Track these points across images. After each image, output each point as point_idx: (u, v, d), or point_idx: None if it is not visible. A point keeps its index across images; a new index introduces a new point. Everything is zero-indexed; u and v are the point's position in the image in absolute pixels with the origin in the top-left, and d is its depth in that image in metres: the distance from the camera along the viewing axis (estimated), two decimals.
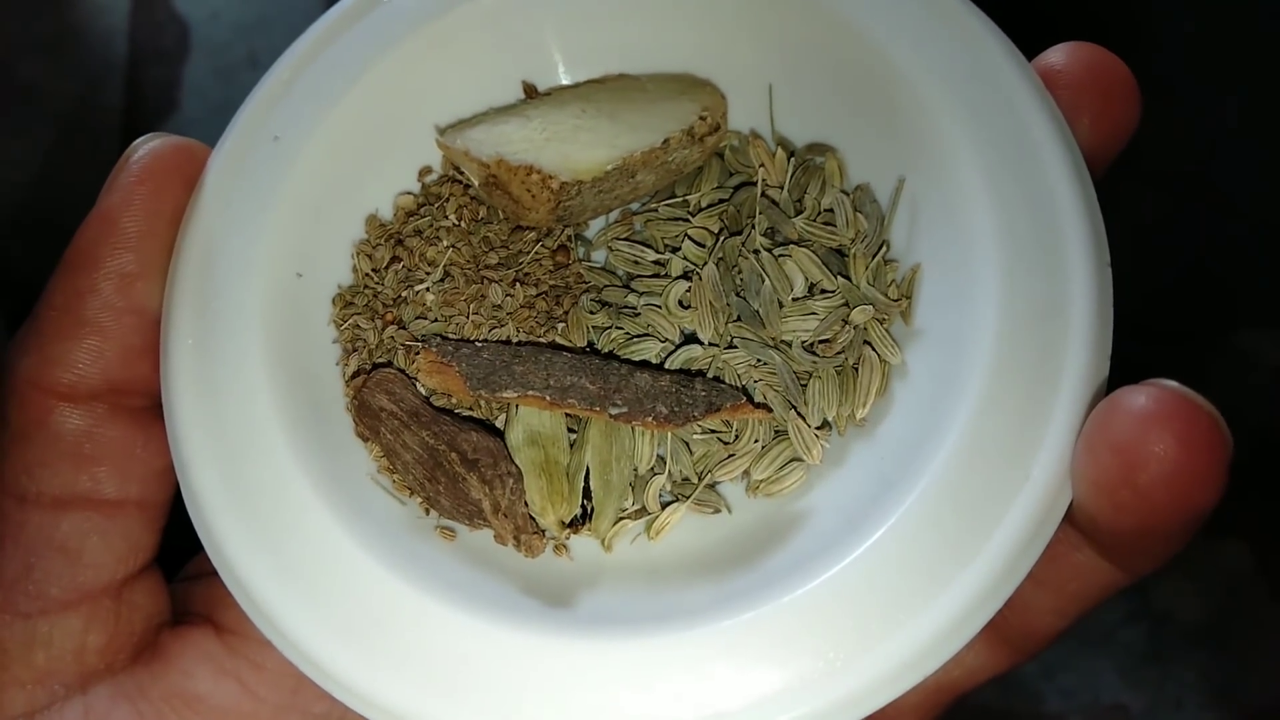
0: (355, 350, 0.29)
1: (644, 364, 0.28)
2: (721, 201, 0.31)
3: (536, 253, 0.31)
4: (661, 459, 0.28)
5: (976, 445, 0.24)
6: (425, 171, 0.31)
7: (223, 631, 0.28)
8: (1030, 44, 0.27)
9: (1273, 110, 0.64)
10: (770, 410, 0.28)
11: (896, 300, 0.28)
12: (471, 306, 0.29)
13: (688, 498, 0.28)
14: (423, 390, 0.28)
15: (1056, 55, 0.27)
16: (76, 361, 0.26)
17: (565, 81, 0.32)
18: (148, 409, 0.28)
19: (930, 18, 0.27)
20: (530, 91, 0.32)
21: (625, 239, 0.31)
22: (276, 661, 0.27)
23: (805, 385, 0.28)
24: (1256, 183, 0.64)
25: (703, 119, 0.29)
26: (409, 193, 0.31)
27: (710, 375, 0.28)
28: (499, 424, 0.28)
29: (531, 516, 0.26)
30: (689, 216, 0.30)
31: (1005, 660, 0.28)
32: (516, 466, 0.26)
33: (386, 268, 0.30)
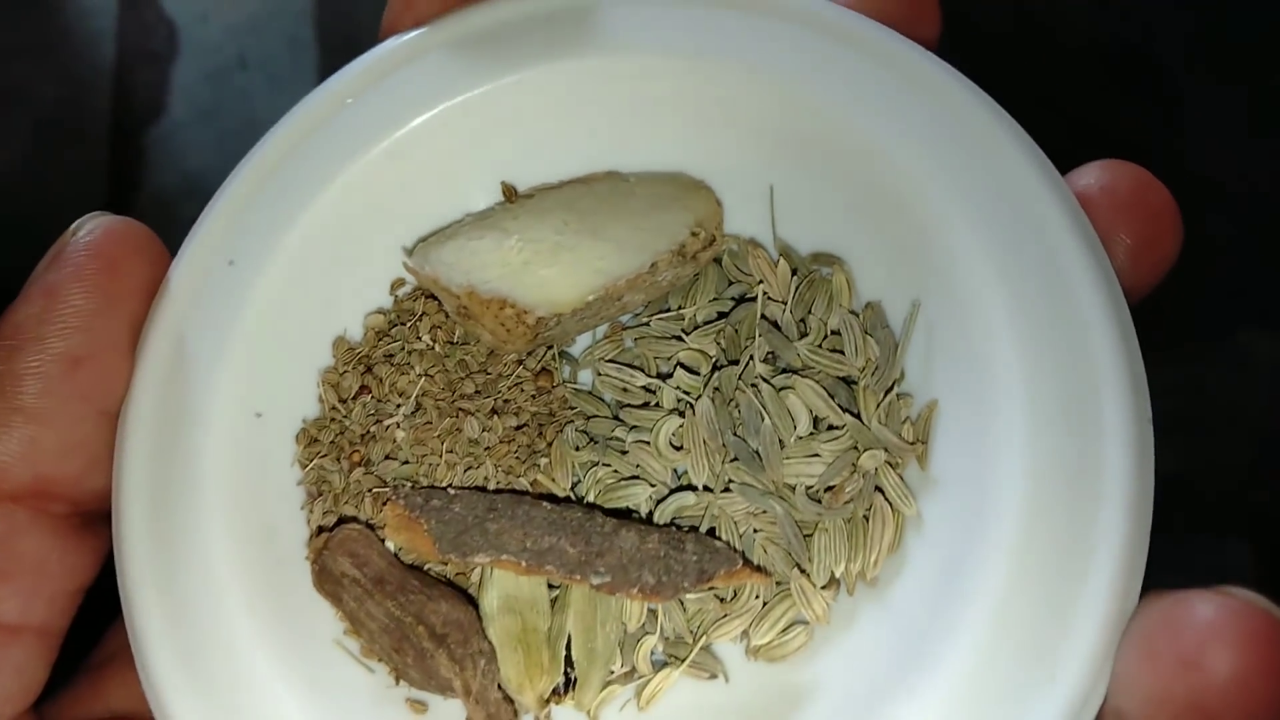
0: (320, 495, 0.27)
1: (631, 517, 0.26)
2: (720, 316, 0.28)
3: (517, 376, 0.28)
4: (653, 614, 0.26)
5: (998, 634, 0.21)
6: (398, 284, 0.29)
7: None
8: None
9: (1275, 109, 0.63)
10: (768, 574, 0.25)
11: (912, 443, 0.25)
12: (445, 444, 0.27)
13: (682, 660, 0.25)
14: (390, 546, 0.26)
15: (1093, 174, 0.24)
16: (3, 453, 0.23)
17: (549, 180, 0.29)
18: (71, 518, 0.25)
19: (950, 121, 0.24)
20: (509, 194, 0.29)
21: (614, 360, 0.28)
22: None
23: (810, 537, 0.25)
24: (1258, 182, 0.62)
25: (695, 234, 0.27)
26: (380, 311, 0.29)
27: (705, 527, 0.26)
28: (474, 578, 0.26)
29: (509, 697, 0.24)
30: (683, 334, 0.28)
31: None
32: (489, 644, 0.24)
33: (354, 398, 0.28)
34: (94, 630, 0.28)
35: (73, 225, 0.25)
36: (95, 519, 0.25)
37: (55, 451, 0.24)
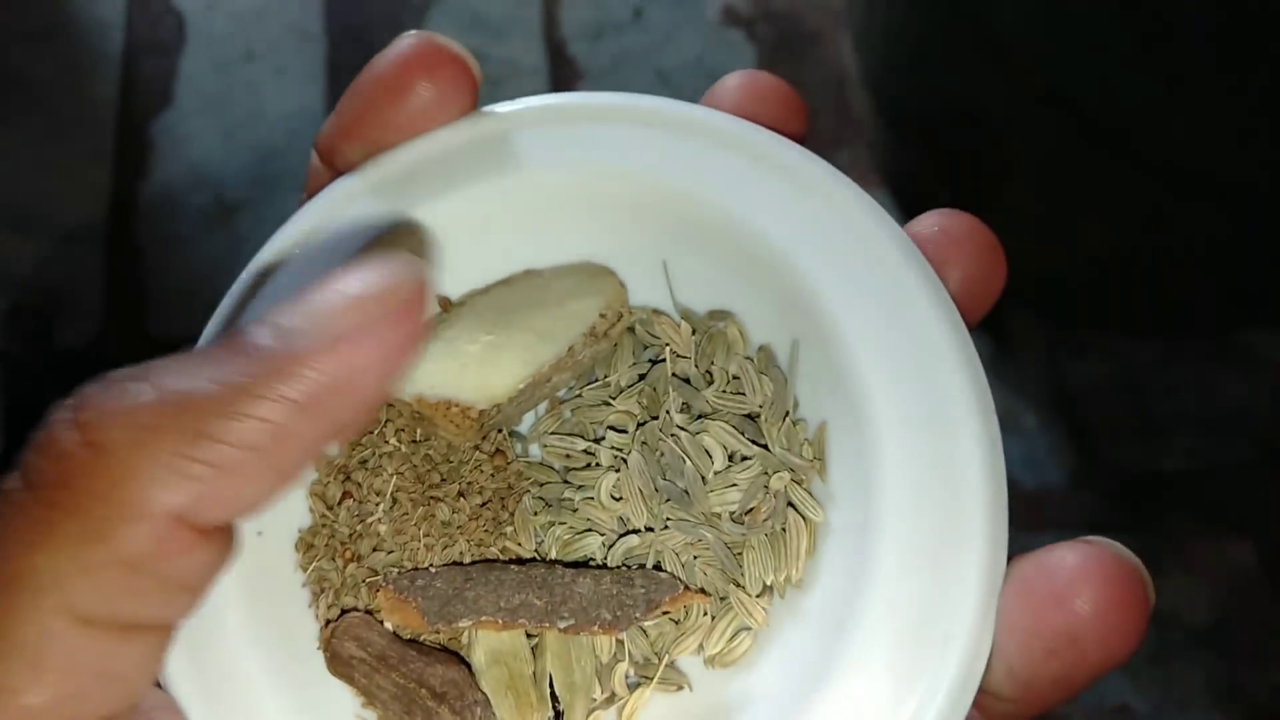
0: (323, 592, 0.31)
1: (587, 566, 0.30)
2: (641, 378, 0.32)
3: (475, 460, 0.32)
4: (621, 643, 0.30)
5: (897, 609, 0.25)
6: None
7: None
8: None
9: (1277, 107, 0.64)
10: (708, 594, 0.29)
11: (811, 461, 0.30)
12: (422, 529, 0.31)
13: (651, 679, 0.30)
14: (388, 626, 0.30)
15: (931, 219, 0.28)
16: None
17: (475, 285, 0.34)
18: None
19: (811, 197, 0.29)
20: (445, 305, 0.34)
21: (555, 432, 0.32)
22: None
23: (740, 555, 0.30)
24: (1260, 180, 0.64)
25: (603, 316, 0.31)
26: None
27: (651, 562, 0.30)
28: (463, 640, 0.30)
29: None
30: (610, 400, 0.32)
31: None
32: (482, 693, 0.28)
33: (339, 504, 0.32)
34: None
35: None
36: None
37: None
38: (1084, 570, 0.24)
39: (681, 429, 0.31)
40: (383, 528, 0.31)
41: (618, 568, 0.30)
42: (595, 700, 0.30)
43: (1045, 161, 0.75)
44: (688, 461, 0.30)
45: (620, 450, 0.31)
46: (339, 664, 0.29)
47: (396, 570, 0.31)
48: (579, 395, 0.33)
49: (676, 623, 0.30)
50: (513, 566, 0.30)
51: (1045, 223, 0.78)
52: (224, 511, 0.21)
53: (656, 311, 0.33)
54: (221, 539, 0.22)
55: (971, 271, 0.28)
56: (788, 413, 0.30)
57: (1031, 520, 0.66)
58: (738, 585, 0.30)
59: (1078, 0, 0.67)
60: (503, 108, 0.31)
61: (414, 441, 0.33)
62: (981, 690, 0.25)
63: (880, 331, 0.27)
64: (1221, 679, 0.53)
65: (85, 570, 0.20)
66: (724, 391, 0.31)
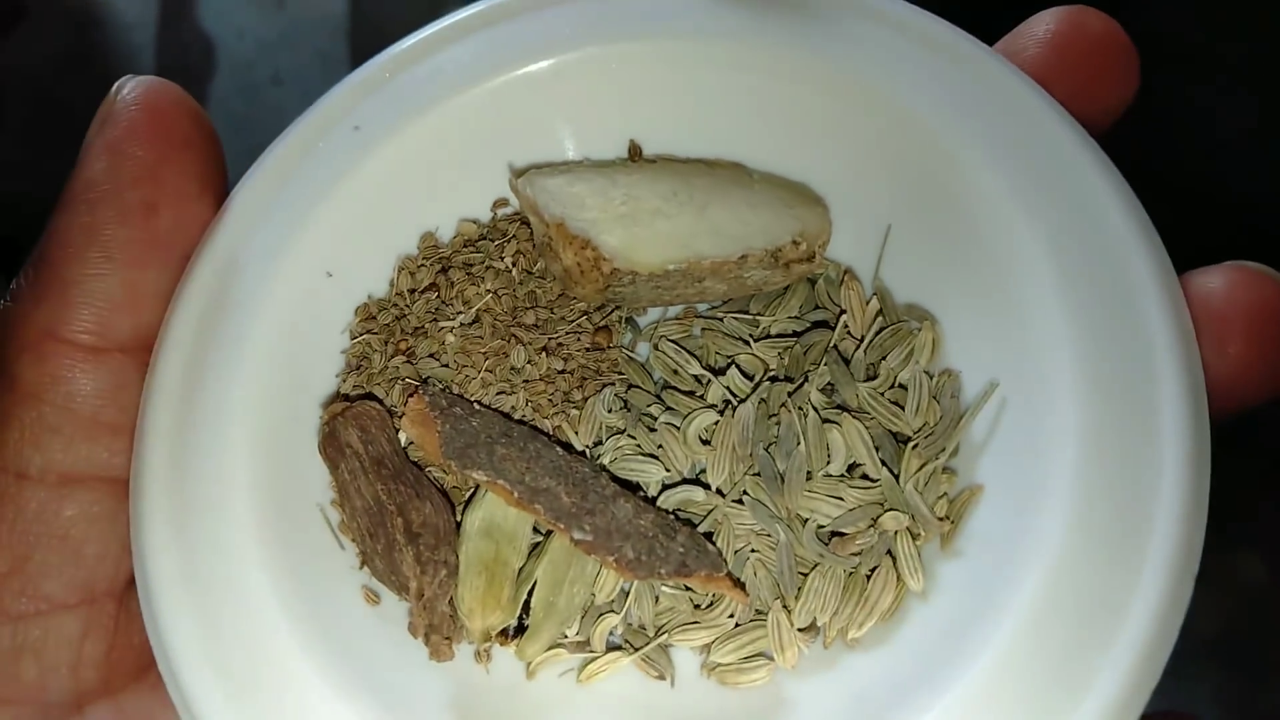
0: (358, 369, 0.27)
1: (635, 489, 0.25)
2: (796, 336, 0.27)
3: (579, 325, 0.28)
4: (625, 594, 0.25)
5: None
6: (500, 203, 0.29)
7: None
8: None
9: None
10: (747, 594, 0.24)
11: (941, 519, 0.24)
12: (488, 363, 0.27)
13: (636, 649, 0.25)
14: (402, 437, 0.26)
15: (1214, 278, 0.22)
16: (103, 307, 0.23)
17: (675, 153, 0.29)
18: None
19: (1086, 227, 0.23)
20: (634, 152, 0.29)
21: (675, 340, 0.27)
22: None
23: (805, 576, 0.24)
24: (1261, 184, 0.59)
25: (795, 243, 0.26)
26: (475, 221, 0.29)
27: (703, 528, 0.25)
28: (467, 496, 0.26)
29: (452, 616, 0.24)
30: (751, 339, 0.27)
31: None
32: (455, 557, 0.24)
33: (423, 292, 0.28)
34: None
35: (114, 87, 0.25)
36: None
37: (150, 298, 0.24)
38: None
39: (814, 408, 0.25)
40: (450, 338, 0.27)
41: (666, 512, 0.25)
42: (565, 638, 0.25)
43: None
44: (801, 445, 0.25)
45: (735, 395, 0.26)
46: (332, 447, 0.25)
47: (442, 386, 0.26)
48: (719, 319, 0.28)
49: (697, 607, 0.25)
50: (559, 449, 0.25)
51: None
52: (92, 320, 0.23)
53: (850, 274, 0.27)
54: (111, 360, 0.23)
55: (1252, 349, 0.22)
56: (942, 453, 0.24)
57: None
58: (784, 607, 0.24)
59: None
60: None
61: (528, 272, 0.28)
62: None
63: (1102, 439, 0.21)
64: (1232, 691, 0.50)
65: (6, 423, 0.22)
66: (881, 394, 0.25)
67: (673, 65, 0.27)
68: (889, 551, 0.24)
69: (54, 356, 0.23)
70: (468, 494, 0.26)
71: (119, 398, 0.23)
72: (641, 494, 0.26)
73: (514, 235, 0.29)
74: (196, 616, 0.22)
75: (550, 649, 0.25)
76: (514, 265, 0.28)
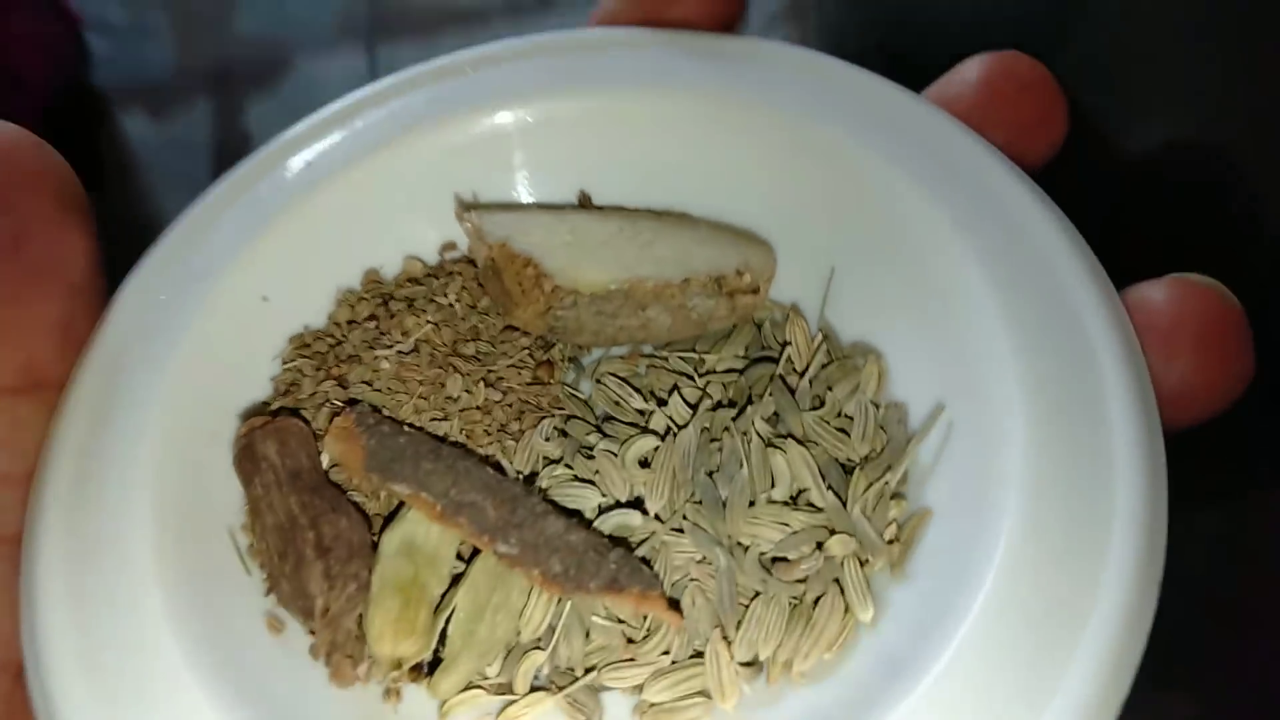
0: (286, 394, 0.26)
1: (569, 513, 0.24)
2: (739, 374, 0.27)
3: (521, 359, 0.27)
4: (552, 630, 0.23)
5: None
6: (449, 247, 0.29)
7: None
8: None
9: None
10: (681, 618, 0.22)
11: (890, 542, 0.22)
12: (422, 389, 0.26)
13: (561, 689, 0.22)
14: (325, 459, 0.25)
15: (1157, 291, 0.22)
16: None
17: (625, 204, 0.29)
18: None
19: (1032, 262, 0.23)
20: (584, 201, 0.29)
21: (618, 376, 0.27)
22: None
23: (746, 606, 0.22)
24: (1261, 185, 0.58)
25: (740, 273, 0.26)
26: (421, 260, 0.29)
27: (641, 554, 0.23)
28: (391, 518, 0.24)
29: (359, 638, 0.21)
30: (695, 374, 0.26)
31: None
32: (367, 574, 0.22)
33: (361, 321, 0.27)
34: None
35: None
36: None
37: (40, 331, 0.23)
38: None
39: (758, 434, 0.24)
40: (385, 365, 0.26)
41: (600, 534, 0.23)
42: (485, 677, 0.23)
43: None
44: (745, 469, 0.24)
45: (677, 422, 0.25)
46: (247, 461, 0.24)
47: (371, 407, 0.25)
48: (664, 358, 0.27)
49: (631, 641, 0.23)
50: (490, 469, 0.24)
51: None
52: None
53: (795, 310, 0.27)
54: None
55: (1200, 365, 0.22)
56: (888, 475, 0.23)
57: None
58: (724, 638, 0.22)
59: None
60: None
61: (471, 307, 0.28)
62: None
63: (1050, 466, 0.21)
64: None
65: None
66: (827, 423, 0.25)
67: (621, 119, 0.28)
68: (836, 580, 0.22)
69: None
70: (393, 513, 0.24)
71: (12, 443, 0.22)
72: (578, 522, 0.24)
73: (459, 273, 0.28)
74: (77, 631, 0.20)
75: (468, 689, 0.22)
76: (457, 300, 0.28)
